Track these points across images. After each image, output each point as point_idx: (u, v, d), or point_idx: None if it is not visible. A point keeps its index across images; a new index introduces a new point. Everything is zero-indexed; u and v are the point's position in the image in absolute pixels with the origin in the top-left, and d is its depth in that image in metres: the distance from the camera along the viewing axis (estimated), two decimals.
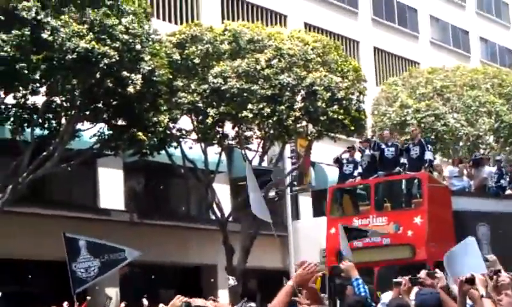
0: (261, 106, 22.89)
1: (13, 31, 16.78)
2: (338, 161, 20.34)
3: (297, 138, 26.53)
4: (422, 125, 30.77)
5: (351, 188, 19.64)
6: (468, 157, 32.34)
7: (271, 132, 24.11)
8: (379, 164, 19.11)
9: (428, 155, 18.93)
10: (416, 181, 18.57)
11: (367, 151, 19.46)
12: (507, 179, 20.87)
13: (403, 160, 18.94)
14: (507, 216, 19.26)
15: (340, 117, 23.72)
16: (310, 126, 24.47)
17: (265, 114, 22.97)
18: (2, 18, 16.92)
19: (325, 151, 26.84)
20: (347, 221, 17.70)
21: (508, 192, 20.52)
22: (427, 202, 17.64)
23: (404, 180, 19.07)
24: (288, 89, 23.42)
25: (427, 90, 32.13)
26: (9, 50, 16.62)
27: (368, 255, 17.08)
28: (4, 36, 16.71)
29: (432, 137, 30.72)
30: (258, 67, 23.25)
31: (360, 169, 19.43)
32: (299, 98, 23.80)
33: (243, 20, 30.36)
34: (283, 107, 23.15)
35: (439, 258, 15.71)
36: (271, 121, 23.26)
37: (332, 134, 24.53)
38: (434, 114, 30.96)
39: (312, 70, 24.09)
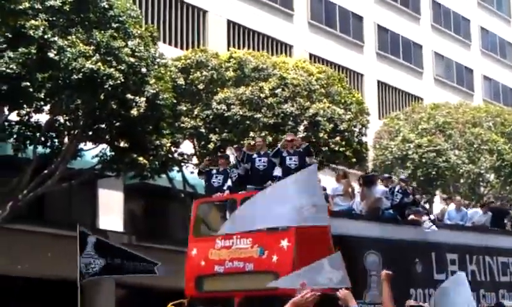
0: (263, 134, 22.94)
1: (19, 49, 16.88)
2: (202, 173, 17.68)
3: None
4: (424, 161, 30.83)
5: (219, 204, 16.73)
6: (469, 194, 32.48)
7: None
8: (250, 177, 16.42)
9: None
10: None
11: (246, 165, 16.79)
12: (411, 198, 18.40)
13: (277, 172, 16.18)
14: (403, 244, 16.49)
15: (341, 149, 23.81)
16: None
17: (267, 143, 23.02)
18: (10, 35, 17.03)
19: (326, 183, 26.83)
20: (210, 242, 15.52)
21: (411, 217, 17.80)
22: None
23: None
24: (291, 118, 23.51)
25: (430, 126, 32.19)
26: (15, 67, 16.71)
27: (229, 282, 14.94)
28: (10, 54, 16.81)
29: (434, 173, 30.76)
30: (262, 95, 23.35)
31: (229, 182, 16.77)
32: (301, 128, 23.88)
33: (249, 48, 30.54)
34: (285, 136, 23.20)
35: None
36: (272, 149, 23.29)
37: (333, 166, 24.56)
38: (435, 150, 30.99)
39: (315, 100, 24.20)
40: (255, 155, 16.46)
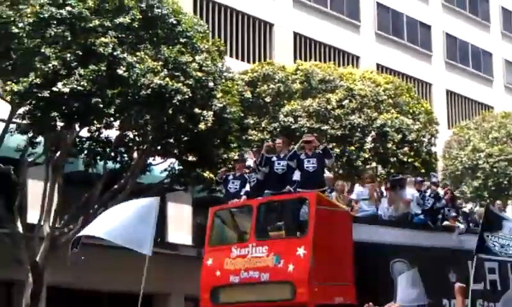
0: (331, 146, 22.87)
1: (90, 66, 17.19)
2: (220, 183, 16.93)
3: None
4: (495, 170, 30.31)
5: (236, 211, 15.79)
6: None
7: (340, 172, 24.08)
8: (268, 181, 15.33)
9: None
10: (305, 202, 14.46)
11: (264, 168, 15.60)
12: (444, 202, 17.19)
13: (296, 176, 15.09)
14: (435, 252, 15.26)
15: (410, 159, 23.59)
16: (380, 167, 24.36)
17: (335, 154, 22.95)
18: (80, 53, 17.35)
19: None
20: (226, 251, 14.69)
21: (445, 223, 16.62)
22: (314, 229, 13.65)
23: (289, 201, 15.02)
24: (359, 129, 23.41)
25: (500, 135, 31.66)
26: (85, 84, 17.02)
27: (244, 294, 14.10)
28: (81, 71, 17.13)
29: (505, 182, 30.21)
30: (329, 107, 23.31)
31: (247, 187, 15.73)
32: (369, 139, 23.75)
33: (315, 60, 30.51)
34: (353, 148, 23.14)
35: (326, 300, 13.10)
36: (340, 161, 23.23)
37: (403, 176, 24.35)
38: (507, 159, 30.46)
39: (383, 111, 24.06)
40: (274, 158, 15.33)
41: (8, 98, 18.10)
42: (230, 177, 16.20)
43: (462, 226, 16.61)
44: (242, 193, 15.63)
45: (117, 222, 13.79)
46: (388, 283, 14.07)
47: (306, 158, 14.88)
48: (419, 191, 17.07)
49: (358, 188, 16.55)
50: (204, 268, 14.99)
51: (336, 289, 13.44)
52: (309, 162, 14.84)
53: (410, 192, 16.55)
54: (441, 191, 17.76)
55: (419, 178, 18.58)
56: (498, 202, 20.92)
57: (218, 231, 15.89)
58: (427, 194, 17.07)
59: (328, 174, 16.26)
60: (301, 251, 13.56)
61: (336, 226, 14.07)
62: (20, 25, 17.29)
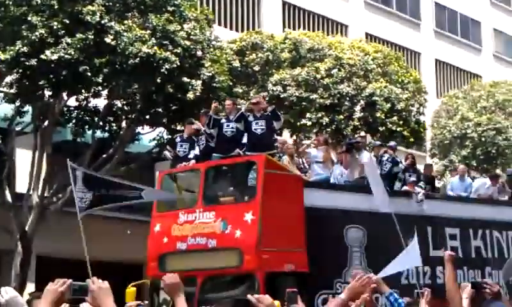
0: (320, 115, 22.90)
1: (77, 35, 17.09)
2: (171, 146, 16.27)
3: None
4: (483, 139, 30.42)
5: (184, 175, 15.11)
6: None
7: (329, 141, 24.09)
8: (216, 144, 14.64)
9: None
10: (253, 166, 13.73)
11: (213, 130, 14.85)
12: (402, 167, 16.63)
13: (246, 139, 14.47)
14: (392, 218, 13.91)
15: (399, 128, 23.62)
16: (369, 136, 24.39)
17: (324, 123, 22.98)
18: (67, 22, 17.23)
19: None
20: (174, 216, 14.04)
21: (404, 188, 15.95)
22: (262, 194, 12.99)
23: (237, 165, 14.38)
24: (348, 98, 23.40)
25: (489, 104, 31.73)
26: (73, 53, 16.93)
27: (191, 261, 13.50)
28: (68, 40, 17.03)
29: (493, 151, 30.32)
30: (318, 76, 23.28)
31: (196, 150, 15.11)
32: (358, 108, 23.75)
33: (304, 28, 30.42)
34: (341, 117, 23.14)
35: (275, 268, 12.52)
36: (329, 130, 23.25)
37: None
38: (495, 128, 30.55)
39: (371, 80, 24.05)
40: (223, 120, 14.66)
41: None
42: (178, 140, 15.63)
43: (421, 191, 16.08)
44: (190, 156, 15.09)
45: None
46: (343, 249, 13.71)
47: (254, 120, 14.32)
48: (376, 156, 16.66)
49: (312, 150, 15.88)
50: (151, 235, 14.46)
51: (286, 256, 12.93)
52: (257, 124, 14.27)
53: (367, 156, 15.91)
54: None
55: (377, 142, 18.25)
56: (461, 166, 20.34)
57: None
58: (385, 158, 16.66)
59: (280, 137, 15.77)
60: (248, 217, 12.98)
61: (287, 190, 13.48)
62: None
